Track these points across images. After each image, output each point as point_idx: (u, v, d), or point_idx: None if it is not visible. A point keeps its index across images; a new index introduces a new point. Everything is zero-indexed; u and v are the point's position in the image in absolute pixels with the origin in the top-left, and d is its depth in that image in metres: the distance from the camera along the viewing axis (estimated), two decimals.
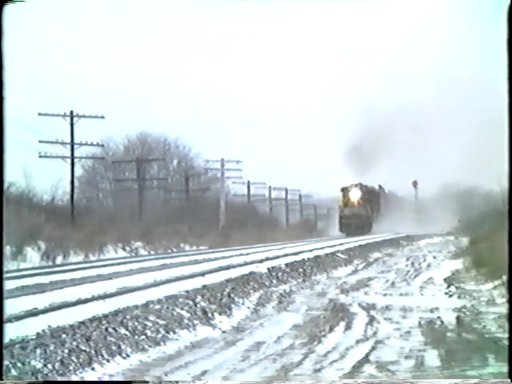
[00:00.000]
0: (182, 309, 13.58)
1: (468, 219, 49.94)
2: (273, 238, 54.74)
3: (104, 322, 11.43)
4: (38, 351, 9.42)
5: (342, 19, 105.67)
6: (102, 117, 45.73)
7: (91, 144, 47.34)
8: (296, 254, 29.91)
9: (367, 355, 10.43)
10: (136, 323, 11.78)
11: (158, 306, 13.35)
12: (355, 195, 72.87)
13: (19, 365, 8.95)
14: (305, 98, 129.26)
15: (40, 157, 44.12)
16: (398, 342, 11.46)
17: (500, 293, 16.73)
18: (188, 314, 13.34)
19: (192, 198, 64.35)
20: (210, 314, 13.78)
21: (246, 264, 24.02)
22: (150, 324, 11.98)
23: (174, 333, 12.01)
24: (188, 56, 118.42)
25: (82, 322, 11.13)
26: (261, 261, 25.43)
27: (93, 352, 9.96)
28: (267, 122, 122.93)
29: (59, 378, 9.02)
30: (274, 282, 20.42)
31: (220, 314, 14.13)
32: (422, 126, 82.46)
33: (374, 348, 10.99)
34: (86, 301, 13.81)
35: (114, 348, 10.39)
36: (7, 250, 26.56)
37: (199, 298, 14.94)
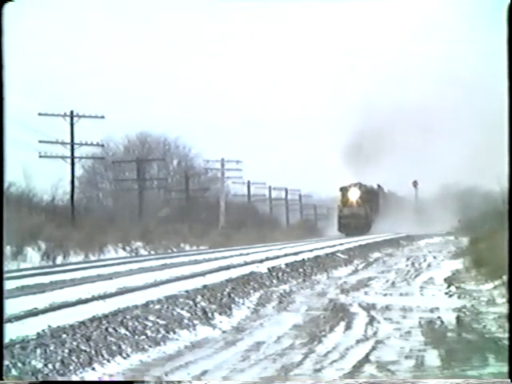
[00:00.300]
0: (182, 309, 13.58)
1: (468, 219, 49.87)
2: (273, 237, 54.69)
3: (104, 321, 11.43)
4: (39, 351, 9.42)
5: (342, 19, 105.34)
6: (102, 117, 45.77)
7: (91, 144, 47.39)
8: (296, 253, 29.90)
9: (367, 355, 10.42)
10: (136, 323, 11.78)
11: (158, 306, 13.35)
12: (354, 195, 72.72)
13: (19, 365, 8.96)
14: (305, 98, 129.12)
15: (40, 157, 44.17)
16: (398, 342, 11.46)
17: (500, 293, 16.73)
18: (188, 314, 13.34)
19: (192, 197, 64.33)
20: (210, 314, 13.78)
21: (246, 264, 24.02)
22: (150, 324, 11.98)
23: (174, 333, 12.00)
24: (188, 56, 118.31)
25: (82, 322, 11.13)
26: (261, 261, 25.42)
27: (93, 352, 9.95)
28: (267, 121, 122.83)
29: (59, 378, 9.02)
30: (274, 281, 20.42)
31: (220, 313, 14.12)
32: (421, 126, 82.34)
33: (374, 348, 10.98)
34: (86, 301, 13.82)
35: (114, 348, 10.39)
36: (7, 249, 26.56)
37: (199, 297, 14.94)
